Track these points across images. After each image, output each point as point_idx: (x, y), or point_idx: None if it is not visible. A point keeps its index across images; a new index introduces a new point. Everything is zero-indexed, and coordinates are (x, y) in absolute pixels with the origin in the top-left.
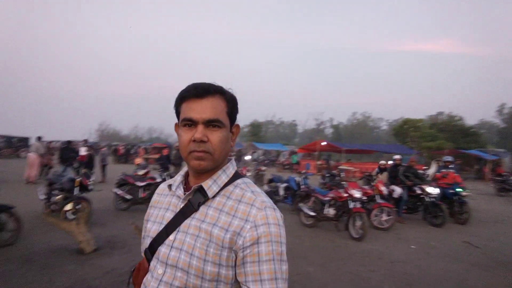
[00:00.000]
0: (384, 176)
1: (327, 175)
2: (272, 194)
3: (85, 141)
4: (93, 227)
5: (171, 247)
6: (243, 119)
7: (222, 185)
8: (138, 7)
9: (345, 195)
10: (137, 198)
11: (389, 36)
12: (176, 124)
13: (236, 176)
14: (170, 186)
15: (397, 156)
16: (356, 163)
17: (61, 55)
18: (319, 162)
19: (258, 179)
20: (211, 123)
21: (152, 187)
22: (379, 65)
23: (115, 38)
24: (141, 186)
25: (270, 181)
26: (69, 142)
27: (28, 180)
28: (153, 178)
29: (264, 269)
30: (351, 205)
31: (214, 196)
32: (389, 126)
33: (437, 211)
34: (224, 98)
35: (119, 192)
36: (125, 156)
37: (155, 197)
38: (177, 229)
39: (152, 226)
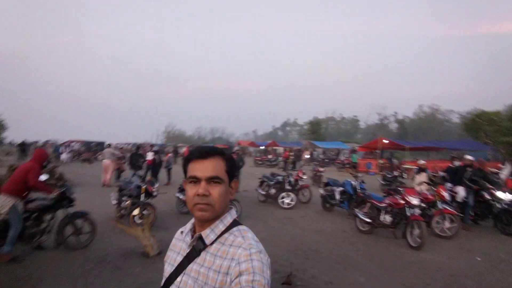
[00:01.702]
0: (423, 177)
1: (388, 175)
2: (328, 198)
3: (152, 146)
4: (157, 230)
5: (178, 287)
6: (302, 116)
7: (219, 233)
8: (201, 8)
9: (402, 202)
10: None
11: (457, 18)
12: (184, 181)
13: (234, 224)
14: (182, 232)
15: (468, 157)
16: (424, 161)
17: (131, 60)
18: (381, 161)
19: (315, 180)
20: (212, 180)
21: None
22: (447, 51)
23: (183, 42)
24: None
25: (326, 184)
26: (137, 148)
27: (104, 184)
28: None
29: None
30: (409, 212)
31: (212, 243)
32: (461, 118)
33: (510, 218)
34: (224, 158)
35: (181, 196)
36: None
37: (173, 241)
38: (183, 272)
39: (167, 267)
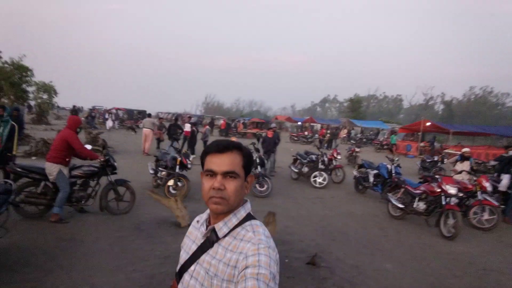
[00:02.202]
0: (465, 165)
1: (427, 159)
2: (361, 180)
3: (189, 117)
4: (190, 202)
5: (191, 276)
6: (342, 93)
7: (232, 227)
8: None
9: (438, 190)
10: None
11: None
12: (201, 173)
13: (247, 218)
14: (198, 221)
15: None
16: (468, 146)
17: (174, 29)
18: (422, 144)
19: (351, 161)
20: (228, 174)
21: None
22: (508, 29)
23: (225, 12)
24: None
25: (360, 166)
26: (176, 119)
27: (144, 152)
28: None
29: (248, 284)
30: (444, 201)
31: (224, 236)
32: None
33: None
34: (241, 153)
35: None
36: (226, 130)
37: (190, 228)
38: (197, 261)
39: (183, 254)
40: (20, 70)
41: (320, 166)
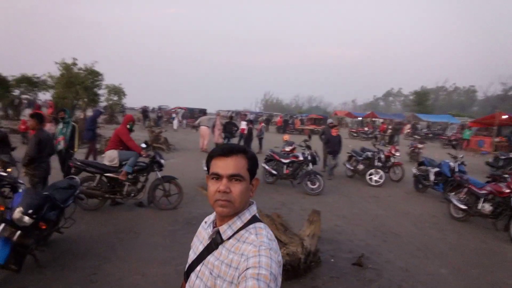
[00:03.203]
0: None
1: (502, 156)
2: (421, 178)
3: (245, 115)
4: None
5: (197, 276)
6: (408, 85)
7: (236, 229)
8: None
9: (507, 190)
10: (281, 174)
11: None
12: (207, 176)
13: (251, 221)
14: (206, 222)
15: None
16: None
17: (233, 29)
18: (497, 139)
19: (413, 157)
20: (233, 177)
21: (295, 164)
22: None
23: (284, 9)
24: (285, 163)
25: (420, 163)
26: (231, 117)
27: (202, 149)
28: (296, 156)
29: (249, 284)
30: None
31: (229, 238)
32: None
33: None
34: (246, 156)
35: (266, 167)
36: (283, 126)
37: (199, 228)
38: (202, 262)
39: (191, 253)
40: (93, 75)
41: (377, 163)
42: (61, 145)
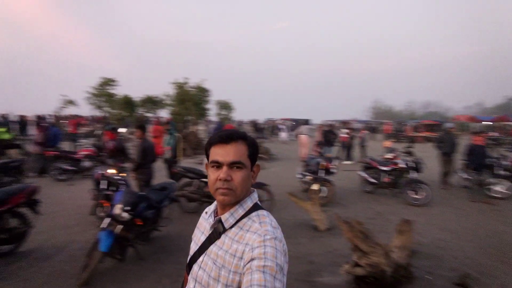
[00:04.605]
0: None
1: None
2: None
3: (346, 123)
4: (335, 206)
5: (200, 266)
6: None
7: (238, 217)
8: None
9: None
10: (380, 183)
11: None
12: (206, 164)
13: (254, 208)
14: (206, 212)
15: None
16: None
17: (339, 40)
18: None
19: None
20: (234, 165)
21: (396, 172)
22: None
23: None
24: (385, 171)
25: None
26: (330, 125)
27: (302, 158)
28: (397, 163)
29: (255, 277)
30: None
31: (231, 227)
32: None
33: None
34: (246, 143)
35: (364, 175)
36: (394, 134)
37: (200, 219)
38: (205, 252)
39: (193, 245)
40: (201, 92)
41: (499, 172)
42: (167, 154)
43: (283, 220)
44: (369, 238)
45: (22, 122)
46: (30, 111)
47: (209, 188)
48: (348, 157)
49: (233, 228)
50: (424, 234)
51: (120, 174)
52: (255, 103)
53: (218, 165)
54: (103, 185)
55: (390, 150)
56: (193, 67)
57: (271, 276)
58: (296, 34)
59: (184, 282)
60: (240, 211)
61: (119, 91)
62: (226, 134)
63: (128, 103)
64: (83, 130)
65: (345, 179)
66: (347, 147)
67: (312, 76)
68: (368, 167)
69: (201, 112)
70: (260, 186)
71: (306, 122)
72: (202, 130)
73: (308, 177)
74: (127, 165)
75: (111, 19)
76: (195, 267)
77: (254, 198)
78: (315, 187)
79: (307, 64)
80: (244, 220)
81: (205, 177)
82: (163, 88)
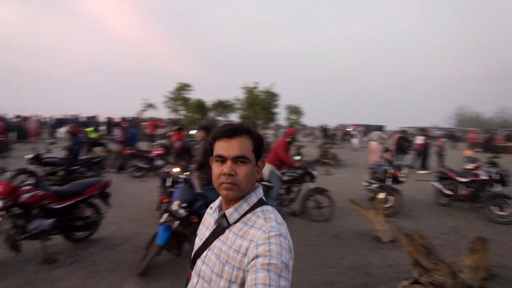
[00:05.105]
0: None
1: None
2: None
3: (423, 130)
4: (403, 218)
5: (203, 261)
6: None
7: (242, 212)
8: None
9: None
10: (457, 195)
11: None
12: (211, 159)
13: (258, 203)
14: (211, 208)
15: None
16: None
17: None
18: None
19: None
20: (238, 159)
21: (476, 185)
22: None
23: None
24: (463, 182)
25: None
26: (404, 131)
27: (372, 165)
28: (477, 175)
29: (259, 276)
30: None
31: (235, 222)
32: None
33: None
34: (251, 137)
35: (439, 186)
36: (481, 143)
37: (205, 215)
38: (209, 247)
39: (197, 240)
40: (270, 96)
41: None
42: None
43: (343, 227)
44: (433, 254)
45: (109, 123)
46: (118, 113)
47: (213, 182)
48: (423, 166)
49: (237, 223)
50: (507, 256)
51: (184, 173)
52: (327, 108)
53: (222, 159)
54: (168, 182)
55: (471, 160)
56: (266, 73)
57: (276, 274)
58: (372, 38)
59: (188, 277)
60: (244, 206)
61: (194, 95)
62: (231, 128)
63: (200, 106)
64: (160, 131)
65: (417, 189)
66: (422, 155)
67: (390, 81)
68: (444, 178)
69: (270, 116)
70: (320, 191)
71: (379, 128)
72: (270, 134)
73: (374, 185)
74: (192, 164)
75: (192, 29)
76: (198, 262)
77: (259, 193)
78: (381, 195)
79: (384, 69)
80: (249, 215)
81: (263, 181)
82: (234, 93)
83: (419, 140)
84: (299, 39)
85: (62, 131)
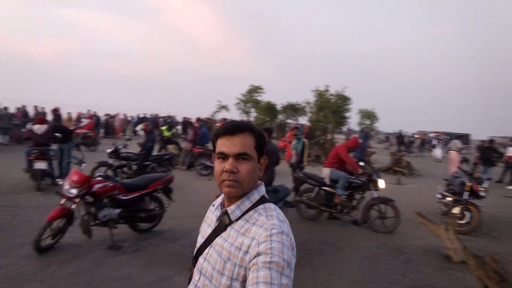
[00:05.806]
0: None
1: None
2: None
3: None
4: (482, 237)
5: (205, 259)
6: None
7: (244, 210)
8: None
9: None
10: None
11: None
12: (213, 156)
13: (261, 201)
14: (213, 205)
15: None
16: None
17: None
18: None
19: None
20: (240, 156)
21: None
22: None
23: None
24: None
25: None
26: (491, 141)
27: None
28: None
29: (261, 274)
30: None
31: (237, 219)
32: None
33: None
34: (253, 134)
35: None
36: None
37: (207, 213)
38: (211, 244)
39: (199, 238)
40: (342, 100)
41: None
42: (293, 159)
43: (407, 241)
44: (509, 282)
45: (187, 123)
46: (195, 114)
47: (215, 179)
48: None
49: (239, 221)
50: None
51: None
52: (406, 114)
53: (224, 156)
54: None
55: None
56: (342, 76)
57: (277, 272)
58: (462, 38)
59: (191, 275)
60: (246, 203)
61: (264, 97)
62: (232, 125)
63: (270, 109)
64: None
65: (503, 206)
66: None
67: (482, 87)
68: None
69: (340, 120)
70: (385, 201)
71: (462, 137)
72: (339, 139)
73: (449, 198)
74: None
75: (267, 33)
76: (200, 259)
77: (261, 191)
78: (455, 210)
79: (473, 73)
80: (251, 212)
81: (326, 185)
82: (306, 96)
83: (510, 152)
84: (381, 40)
85: (138, 128)
